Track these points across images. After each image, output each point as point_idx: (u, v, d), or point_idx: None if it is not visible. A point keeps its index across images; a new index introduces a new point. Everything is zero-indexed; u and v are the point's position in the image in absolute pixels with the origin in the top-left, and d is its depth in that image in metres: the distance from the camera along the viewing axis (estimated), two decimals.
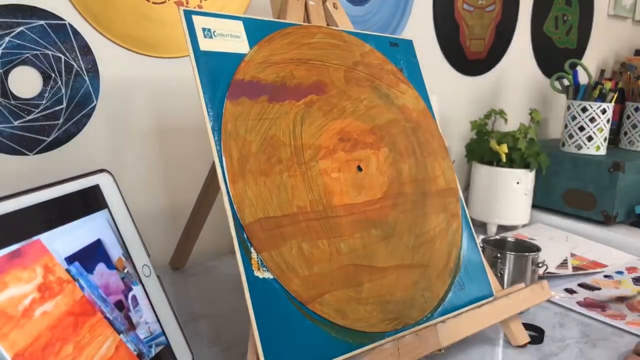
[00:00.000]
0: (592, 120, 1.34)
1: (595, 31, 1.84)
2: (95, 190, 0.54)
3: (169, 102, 0.96)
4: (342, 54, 0.68)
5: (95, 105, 0.88)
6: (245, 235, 0.52)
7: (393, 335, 0.59)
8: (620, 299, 0.90)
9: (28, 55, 0.81)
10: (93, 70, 0.87)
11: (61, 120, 0.85)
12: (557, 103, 1.78)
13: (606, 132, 1.37)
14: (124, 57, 0.90)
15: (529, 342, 0.72)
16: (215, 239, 1.02)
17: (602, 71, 1.44)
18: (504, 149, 1.18)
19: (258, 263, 0.52)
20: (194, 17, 0.56)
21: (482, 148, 1.24)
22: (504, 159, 1.19)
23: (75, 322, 0.46)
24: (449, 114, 1.43)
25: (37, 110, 0.83)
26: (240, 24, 0.60)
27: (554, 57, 1.70)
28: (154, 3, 0.91)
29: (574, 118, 1.37)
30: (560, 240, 1.21)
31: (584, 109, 1.35)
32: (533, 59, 1.67)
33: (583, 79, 1.42)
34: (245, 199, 0.53)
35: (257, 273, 0.51)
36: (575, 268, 1.04)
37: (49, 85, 0.84)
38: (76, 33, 0.85)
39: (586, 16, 1.79)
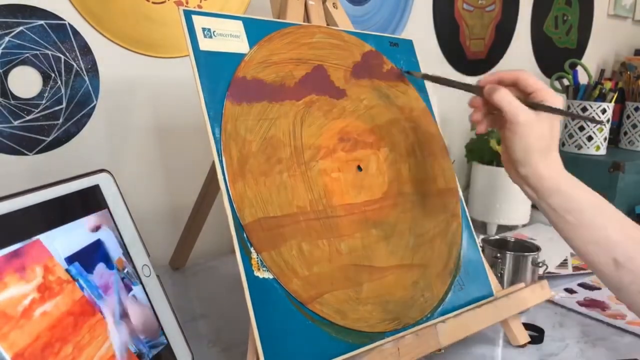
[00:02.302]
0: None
1: (595, 31, 1.84)
2: (95, 190, 0.54)
3: (169, 102, 0.96)
4: (342, 53, 0.68)
5: (95, 105, 0.88)
6: (245, 235, 0.52)
7: (393, 335, 0.59)
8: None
9: (28, 55, 0.81)
10: (93, 70, 0.87)
11: (61, 120, 0.85)
12: None
13: (606, 132, 1.37)
14: (124, 57, 0.90)
15: (529, 342, 0.72)
16: (215, 239, 1.02)
17: (602, 71, 1.44)
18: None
19: (258, 263, 0.52)
20: (194, 17, 0.56)
21: (482, 148, 1.24)
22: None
23: (75, 322, 0.46)
24: (449, 114, 1.43)
25: (36, 110, 0.83)
26: (240, 23, 0.60)
27: (554, 57, 1.70)
28: (153, 3, 0.91)
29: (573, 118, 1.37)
30: (561, 240, 1.20)
31: (584, 109, 1.35)
32: (533, 59, 1.67)
33: (583, 78, 1.42)
34: (245, 199, 0.53)
35: (257, 273, 0.51)
36: (575, 268, 1.04)
37: (49, 85, 0.84)
38: (76, 33, 0.85)
39: (586, 16, 1.79)
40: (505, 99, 0.55)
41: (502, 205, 1.22)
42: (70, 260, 0.48)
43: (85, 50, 0.86)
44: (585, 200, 0.56)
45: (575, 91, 1.38)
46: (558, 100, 0.56)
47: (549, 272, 1.00)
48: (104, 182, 0.55)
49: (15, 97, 0.81)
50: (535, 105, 0.56)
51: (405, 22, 1.28)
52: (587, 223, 0.55)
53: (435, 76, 0.70)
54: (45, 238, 0.47)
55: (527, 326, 0.75)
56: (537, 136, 0.55)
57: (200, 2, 0.96)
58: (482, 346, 0.72)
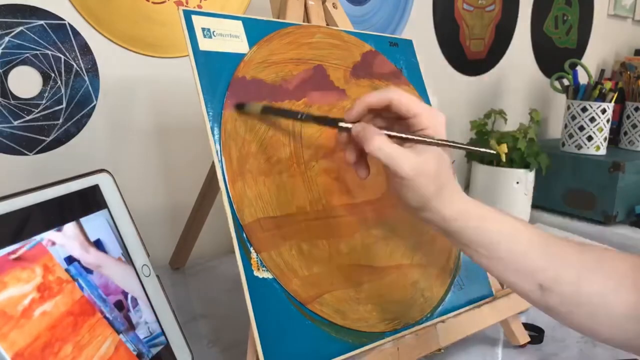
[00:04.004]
0: (592, 120, 1.34)
1: (595, 31, 1.84)
2: (94, 190, 0.54)
3: (168, 102, 0.96)
4: (342, 53, 0.68)
5: (95, 105, 0.88)
6: (244, 235, 0.52)
7: (393, 335, 0.59)
8: None
9: (28, 55, 0.81)
10: (93, 70, 0.87)
11: (61, 120, 0.85)
12: (557, 103, 1.77)
13: (606, 132, 1.37)
14: (124, 57, 0.90)
15: (529, 342, 0.72)
16: (215, 239, 1.02)
17: (602, 71, 1.44)
18: (504, 149, 1.18)
19: (257, 263, 0.52)
20: (194, 17, 0.56)
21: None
22: (503, 159, 1.19)
23: (74, 322, 0.46)
24: (449, 114, 1.43)
25: (36, 110, 0.83)
26: (239, 23, 0.60)
27: (554, 57, 1.70)
28: (153, 3, 0.91)
29: (573, 118, 1.37)
30: None
31: (584, 109, 1.35)
32: (533, 59, 1.67)
33: (583, 78, 1.42)
34: (245, 199, 0.53)
35: (256, 273, 0.51)
36: None
37: (49, 85, 0.84)
38: (76, 33, 0.85)
39: (586, 16, 1.79)
40: (382, 151, 0.46)
41: (502, 205, 1.22)
42: (69, 260, 0.48)
43: (85, 50, 0.86)
44: (498, 231, 0.49)
45: (575, 91, 1.38)
46: (440, 121, 0.48)
47: None
48: (104, 182, 0.55)
49: (15, 97, 0.81)
50: (418, 141, 0.47)
51: (405, 22, 1.28)
52: (504, 254, 0.49)
53: (279, 109, 0.59)
54: (44, 238, 0.47)
55: (527, 326, 0.75)
56: (429, 180, 0.47)
57: (200, 2, 0.96)
58: (482, 346, 0.72)
